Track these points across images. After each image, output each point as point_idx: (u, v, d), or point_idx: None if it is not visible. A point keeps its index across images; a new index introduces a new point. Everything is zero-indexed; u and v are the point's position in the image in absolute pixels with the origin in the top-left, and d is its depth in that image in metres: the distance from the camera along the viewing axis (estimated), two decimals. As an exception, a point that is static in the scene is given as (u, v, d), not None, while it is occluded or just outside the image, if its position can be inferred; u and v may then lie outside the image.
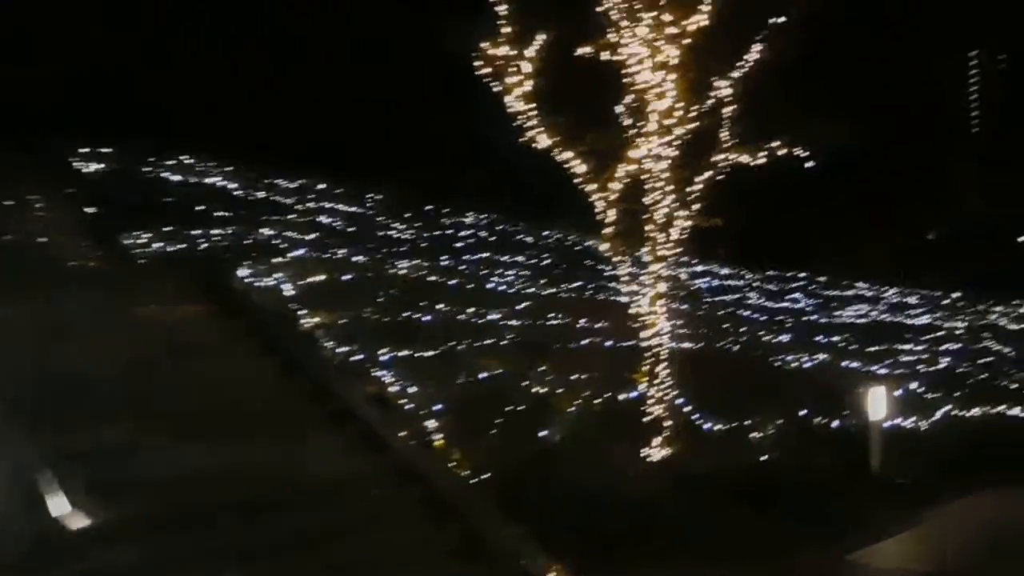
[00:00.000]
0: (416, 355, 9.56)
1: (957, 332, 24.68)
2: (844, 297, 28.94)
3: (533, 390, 9.31)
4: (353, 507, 6.85)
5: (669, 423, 9.15)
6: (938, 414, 13.06)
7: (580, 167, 8.57)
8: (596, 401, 9.40)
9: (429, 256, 13.93)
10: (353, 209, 17.36)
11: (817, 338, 17.43)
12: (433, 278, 12.72)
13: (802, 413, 10.90)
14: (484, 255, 15.73)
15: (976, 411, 13.81)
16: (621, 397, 9.45)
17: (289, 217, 14.92)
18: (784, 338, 16.39)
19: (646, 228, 8.86)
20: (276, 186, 17.76)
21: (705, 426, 9.91)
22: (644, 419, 9.17)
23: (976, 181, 66.81)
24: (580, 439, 8.84)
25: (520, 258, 16.91)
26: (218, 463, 6.59)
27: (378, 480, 7.33)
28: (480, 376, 9.41)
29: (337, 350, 9.24)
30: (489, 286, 13.53)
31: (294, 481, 6.70)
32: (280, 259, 11.29)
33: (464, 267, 14.09)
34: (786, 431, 10.38)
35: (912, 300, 31.94)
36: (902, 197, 57.70)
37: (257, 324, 9.14)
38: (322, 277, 11.16)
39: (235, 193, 15.67)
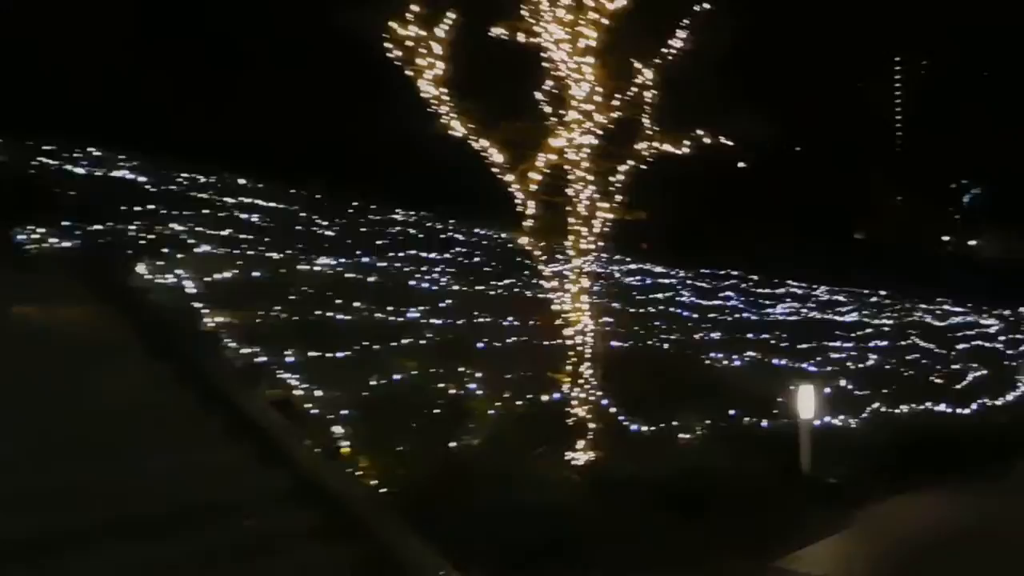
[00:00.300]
0: (327, 356, 8.95)
1: (885, 329, 24.89)
2: (775, 295, 29.08)
3: (452, 392, 8.76)
4: (246, 526, 6.23)
5: (593, 426, 8.70)
6: (867, 411, 12.86)
7: (497, 156, 8.06)
8: (518, 403, 8.89)
9: (351, 253, 13.29)
10: (272, 205, 16.61)
11: (748, 335, 17.24)
12: (352, 276, 12.08)
13: (731, 413, 10.52)
14: (410, 252, 15.15)
15: (904, 408, 13.67)
16: (544, 398, 8.95)
17: (203, 212, 14.14)
18: (715, 335, 16.13)
19: (568, 221, 8.39)
20: (192, 180, 16.94)
21: (632, 428, 9.48)
22: (568, 422, 8.70)
23: (899, 182, 68.73)
24: (499, 444, 8.33)
25: (447, 256, 16.38)
26: (89, 480, 5.92)
27: (277, 495, 6.73)
28: (396, 378, 8.83)
29: (241, 351, 8.58)
30: (413, 284, 12.96)
31: (178, 500, 6.07)
32: (185, 255, 10.54)
33: (387, 265, 13.47)
34: (715, 432, 10.01)
35: (841, 298, 32.30)
36: (830, 198, 58.99)
37: (152, 325, 8.44)
38: (230, 274, 10.45)
39: (146, 187, 14.81)
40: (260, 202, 16.42)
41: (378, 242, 15.48)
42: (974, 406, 15.55)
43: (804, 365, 15.31)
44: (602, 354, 8.86)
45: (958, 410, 14.91)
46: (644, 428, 9.51)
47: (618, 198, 8.26)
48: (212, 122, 20.30)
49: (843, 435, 11.41)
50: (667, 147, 8.08)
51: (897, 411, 13.40)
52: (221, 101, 22.00)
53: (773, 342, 17.86)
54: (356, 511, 6.70)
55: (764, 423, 10.82)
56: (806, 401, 10.26)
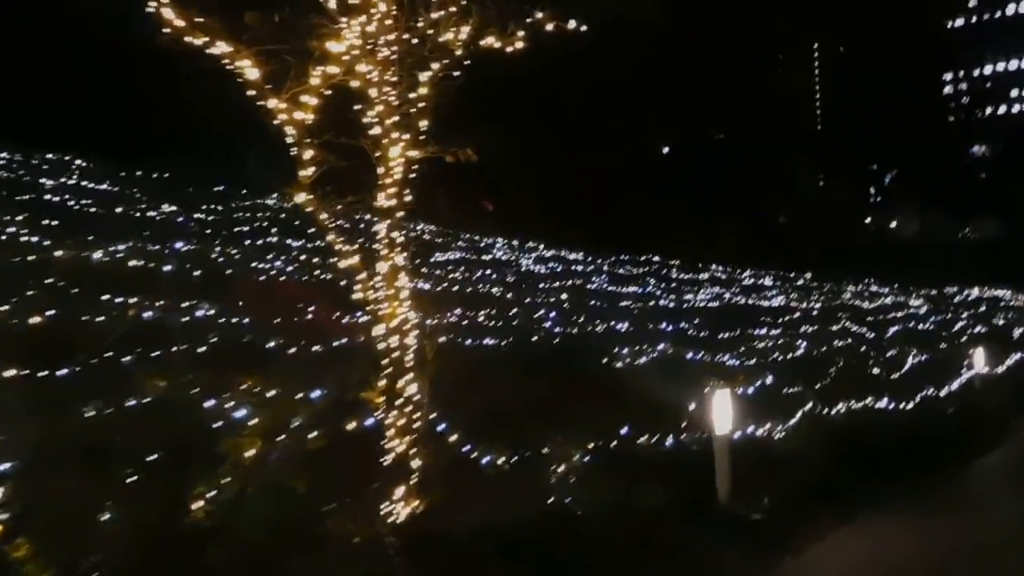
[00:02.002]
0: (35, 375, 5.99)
1: (814, 313, 22.68)
2: (698, 280, 26.75)
3: (210, 422, 5.86)
4: None
5: (420, 463, 5.90)
6: (799, 414, 10.33)
7: (251, 73, 5.18)
8: (311, 435, 6.02)
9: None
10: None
11: (663, 325, 14.68)
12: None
13: (622, 432, 7.79)
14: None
15: (841, 407, 11.19)
16: (351, 427, 6.10)
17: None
18: (623, 327, 13.48)
19: (365, 170, 5.56)
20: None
21: (484, 461, 6.69)
22: (384, 458, 5.89)
23: (820, 167, 67.83)
24: (276, 495, 5.49)
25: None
26: None
27: None
28: (132, 403, 5.90)
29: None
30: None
31: None
32: None
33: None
34: (604, 457, 7.28)
35: (767, 282, 30.19)
36: (753, 184, 57.59)
37: None
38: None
39: None
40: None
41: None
42: (917, 399, 13.22)
43: (725, 358, 12.77)
44: (435, 361, 6.05)
45: (901, 405, 12.54)
46: (502, 460, 6.73)
47: (424, 125, 5.43)
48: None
49: (770, 448, 8.80)
50: (491, 40, 5.31)
51: (833, 412, 10.91)
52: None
53: (692, 332, 15.35)
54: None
55: (669, 440, 8.13)
56: (722, 411, 7.62)
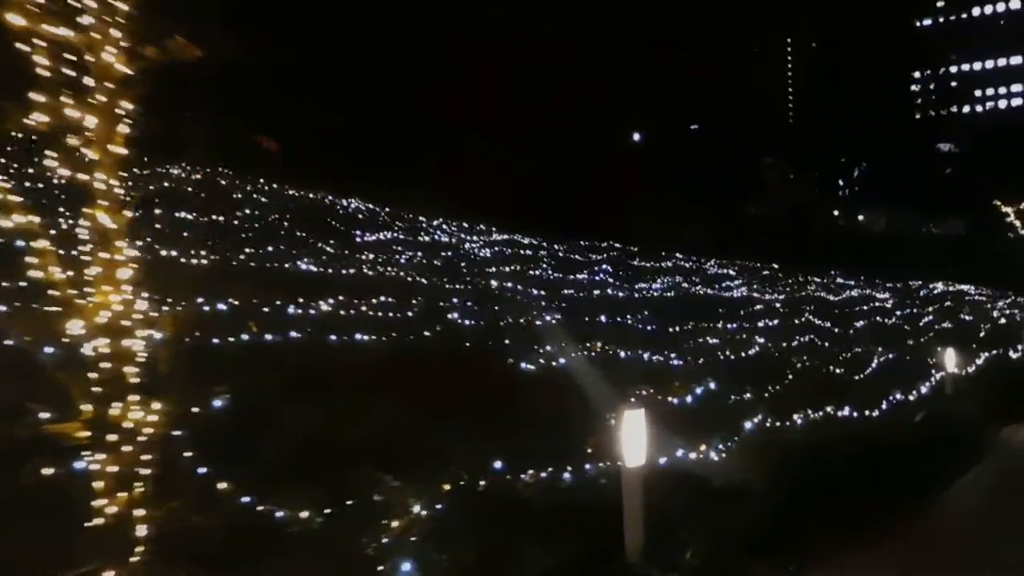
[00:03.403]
0: None
1: (776, 306, 20.63)
2: (659, 268, 24.66)
3: None
4: None
5: (148, 529, 3.73)
6: (746, 427, 8.22)
7: None
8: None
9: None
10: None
11: (601, 318, 12.53)
12: None
13: (497, 466, 5.61)
14: None
15: (797, 417, 9.09)
16: (36, 476, 3.90)
17: None
18: (554, 319, 11.29)
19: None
20: None
21: (277, 516, 4.50)
22: (91, 522, 3.71)
23: (789, 160, 66.20)
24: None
25: None
26: None
27: None
28: None
29: None
30: None
31: None
32: None
33: None
34: (463, 504, 5.10)
35: (730, 271, 28.18)
36: (724, 175, 55.81)
37: None
38: None
39: None
40: None
41: None
42: (884, 405, 11.18)
43: (666, 357, 10.64)
44: (178, 372, 3.86)
45: (866, 412, 10.49)
46: (306, 515, 4.53)
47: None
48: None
49: (703, 478, 6.66)
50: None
51: (787, 424, 8.80)
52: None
53: (640, 326, 13.22)
54: None
55: (567, 474, 5.97)
56: (634, 437, 5.49)
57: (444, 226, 21.30)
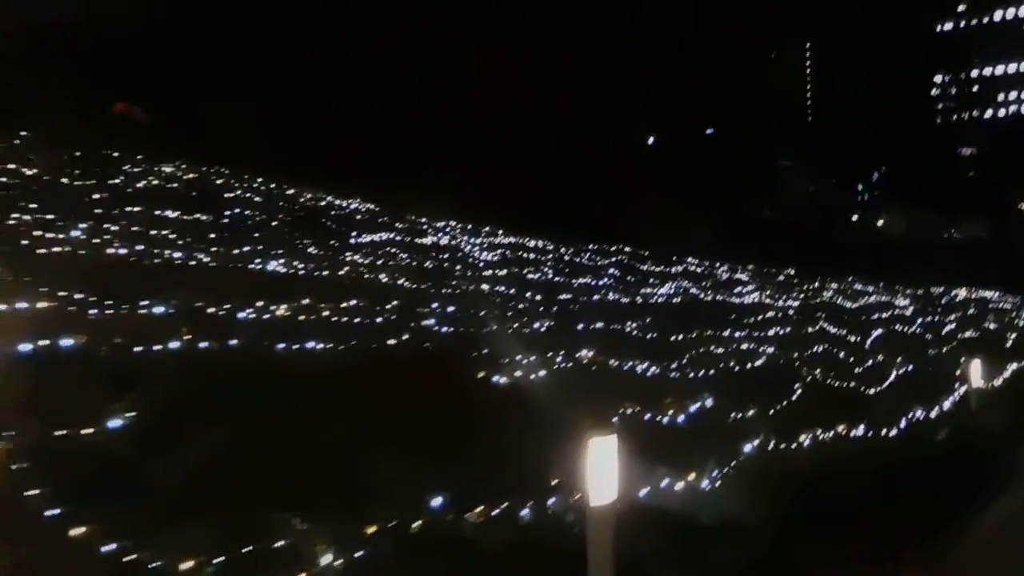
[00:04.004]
0: None
1: (789, 312, 19.60)
2: (668, 273, 23.68)
3: None
4: None
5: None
6: (745, 450, 7.29)
7: None
8: None
9: None
10: None
11: (598, 325, 11.61)
12: None
13: (438, 502, 4.74)
14: None
15: (804, 438, 8.14)
16: None
17: None
18: (541, 327, 10.39)
19: None
20: None
21: (150, 567, 3.66)
22: None
23: (808, 164, 64.96)
24: None
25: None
26: None
27: None
28: None
29: None
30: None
31: None
32: None
33: None
34: (391, 549, 4.23)
35: (743, 276, 27.13)
36: (741, 178, 54.69)
37: None
38: None
39: None
40: None
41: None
42: (902, 423, 10.20)
43: (663, 369, 9.71)
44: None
45: (882, 432, 9.51)
46: (188, 565, 3.68)
47: None
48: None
49: (688, 515, 5.75)
50: None
51: (792, 447, 7.86)
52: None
53: (636, 333, 12.30)
54: None
55: (525, 510, 5.08)
56: (601, 471, 4.61)
57: (447, 228, 20.47)
